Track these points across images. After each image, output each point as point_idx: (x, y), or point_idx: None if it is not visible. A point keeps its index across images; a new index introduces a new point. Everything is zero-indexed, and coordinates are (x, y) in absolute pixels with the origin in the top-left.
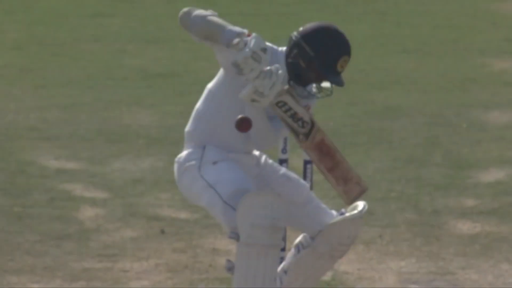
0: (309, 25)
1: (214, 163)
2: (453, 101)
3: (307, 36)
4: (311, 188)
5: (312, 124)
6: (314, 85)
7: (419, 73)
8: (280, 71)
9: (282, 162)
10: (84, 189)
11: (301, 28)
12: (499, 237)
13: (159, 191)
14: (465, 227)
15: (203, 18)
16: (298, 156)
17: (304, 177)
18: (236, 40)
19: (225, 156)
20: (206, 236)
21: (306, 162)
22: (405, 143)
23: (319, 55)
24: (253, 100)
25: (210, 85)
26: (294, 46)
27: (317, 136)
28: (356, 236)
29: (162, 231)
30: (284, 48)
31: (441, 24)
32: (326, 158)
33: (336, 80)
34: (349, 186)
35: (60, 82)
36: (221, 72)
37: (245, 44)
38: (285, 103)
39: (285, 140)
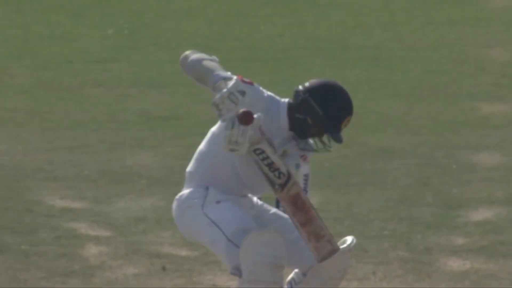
0: (317, 83)
1: (218, 202)
2: (444, 143)
3: (316, 95)
4: None
5: (289, 176)
6: (316, 139)
7: (410, 116)
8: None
9: (279, 202)
10: (89, 227)
11: (307, 85)
12: (488, 274)
13: (160, 230)
14: (455, 264)
15: (198, 61)
16: None
17: None
18: (219, 83)
19: (227, 197)
20: (206, 273)
21: None
22: (398, 184)
23: (328, 115)
24: (231, 150)
25: (213, 128)
26: (303, 103)
27: (293, 189)
28: (346, 270)
29: (164, 268)
30: (285, 100)
31: (432, 69)
32: (300, 213)
33: (337, 137)
34: (320, 243)
35: (66, 124)
36: None
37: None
38: (262, 151)
39: None
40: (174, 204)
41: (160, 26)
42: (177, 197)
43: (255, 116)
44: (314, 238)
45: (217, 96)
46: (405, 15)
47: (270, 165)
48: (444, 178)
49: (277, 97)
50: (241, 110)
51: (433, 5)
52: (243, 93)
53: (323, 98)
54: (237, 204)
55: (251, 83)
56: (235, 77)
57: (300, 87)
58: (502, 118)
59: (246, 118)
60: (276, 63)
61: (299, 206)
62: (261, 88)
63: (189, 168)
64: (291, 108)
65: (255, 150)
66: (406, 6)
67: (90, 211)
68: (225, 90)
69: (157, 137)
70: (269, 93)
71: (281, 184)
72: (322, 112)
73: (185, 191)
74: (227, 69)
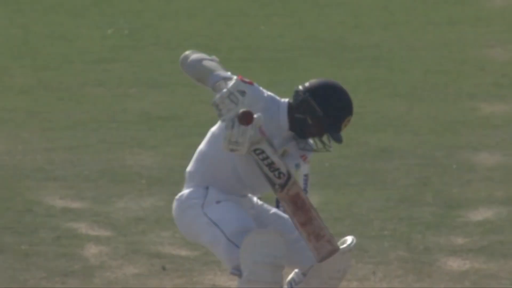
0: (317, 83)
1: (218, 202)
2: (444, 143)
3: (316, 95)
4: None
5: (289, 176)
6: (316, 139)
7: (410, 116)
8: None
9: (279, 202)
10: (89, 227)
11: (307, 85)
12: (488, 274)
13: (160, 229)
14: (455, 264)
15: (198, 61)
16: None
17: None
18: (219, 83)
19: (227, 197)
20: (206, 273)
21: None
22: (398, 183)
23: (328, 114)
24: (232, 150)
25: (213, 128)
26: (303, 102)
27: (293, 189)
28: (346, 270)
29: (163, 268)
30: (286, 100)
31: (432, 69)
32: (300, 212)
33: (337, 137)
34: (320, 243)
35: (65, 124)
36: None
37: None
38: (262, 151)
39: None
40: (174, 204)
41: (160, 26)
42: (177, 197)
43: (255, 116)
44: (314, 238)
45: (217, 96)
46: (405, 15)
47: (270, 165)
48: (444, 178)
49: (277, 97)
50: (241, 110)
51: (433, 5)
52: (243, 93)
53: (323, 98)
54: (237, 204)
55: (251, 83)
56: (235, 77)
57: (300, 87)
58: (502, 118)
59: (246, 118)
60: (275, 63)
61: (299, 206)
62: (261, 88)
63: (189, 168)
64: (291, 108)
65: (255, 150)
66: (406, 6)
67: (90, 211)
68: (225, 90)
69: (157, 137)
70: (269, 93)
71: (281, 184)
72: (322, 112)
73: (185, 191)
74: (227, 69)
